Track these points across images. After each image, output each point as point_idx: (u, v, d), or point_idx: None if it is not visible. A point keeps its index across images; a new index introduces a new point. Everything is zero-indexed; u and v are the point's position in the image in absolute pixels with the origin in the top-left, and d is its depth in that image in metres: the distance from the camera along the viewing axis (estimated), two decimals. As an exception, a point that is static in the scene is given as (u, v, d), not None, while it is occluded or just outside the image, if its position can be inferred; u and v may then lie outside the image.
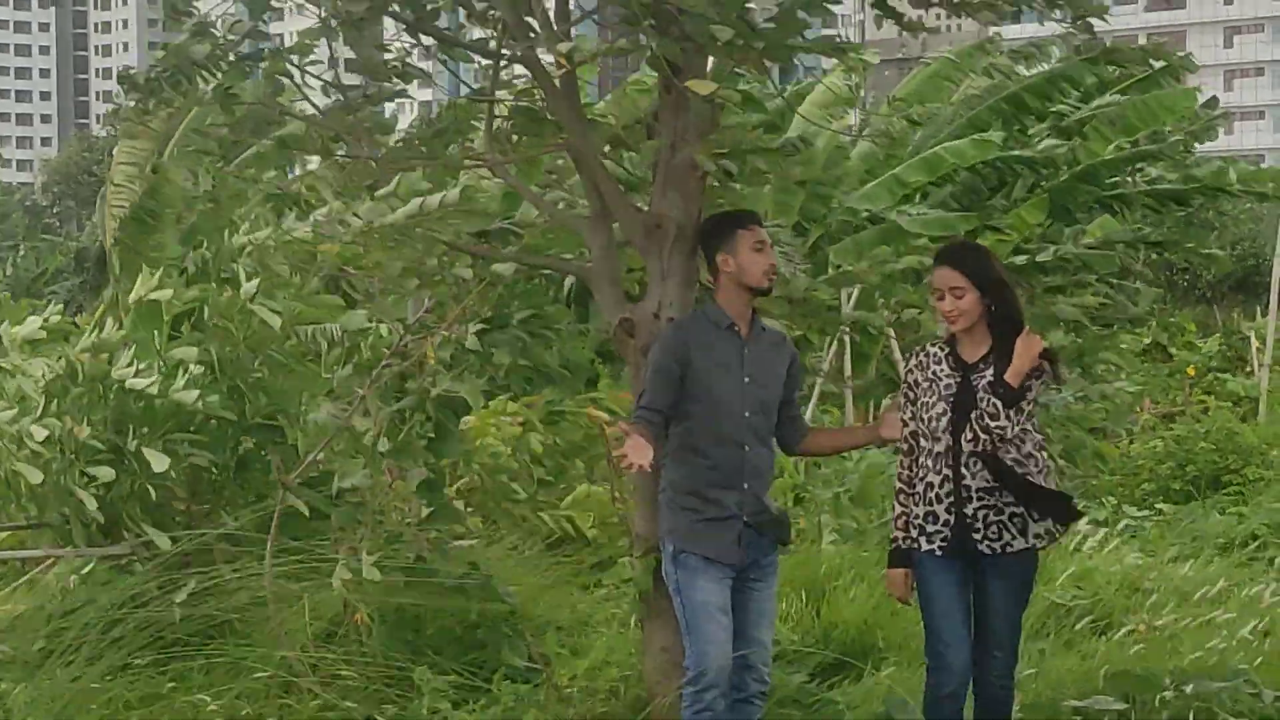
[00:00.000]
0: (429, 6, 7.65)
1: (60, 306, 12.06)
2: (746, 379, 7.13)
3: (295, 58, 7.75)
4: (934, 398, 7.05)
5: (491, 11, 7.82)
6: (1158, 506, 14.77)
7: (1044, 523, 7.04)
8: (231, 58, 7.76)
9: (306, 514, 8.93)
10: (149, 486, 9.22)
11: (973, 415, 6.93)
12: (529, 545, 10.43)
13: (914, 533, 7.11)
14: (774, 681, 7.49)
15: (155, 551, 9.07)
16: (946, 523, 7.01)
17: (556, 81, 7.59)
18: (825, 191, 20.84)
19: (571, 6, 7.84)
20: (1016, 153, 23.97)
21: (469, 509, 10.56)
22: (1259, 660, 8.62)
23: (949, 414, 7.00)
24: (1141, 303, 27.97)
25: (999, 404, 6.90)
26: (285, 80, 7.89)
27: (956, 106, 24.81)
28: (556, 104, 7.69)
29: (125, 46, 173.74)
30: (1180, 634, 9.52)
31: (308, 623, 8.51)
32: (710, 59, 7.48)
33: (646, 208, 7.61)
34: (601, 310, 7.73)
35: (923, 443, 7.11)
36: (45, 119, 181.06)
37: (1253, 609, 9.96)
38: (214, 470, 9.75)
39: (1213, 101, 39.50)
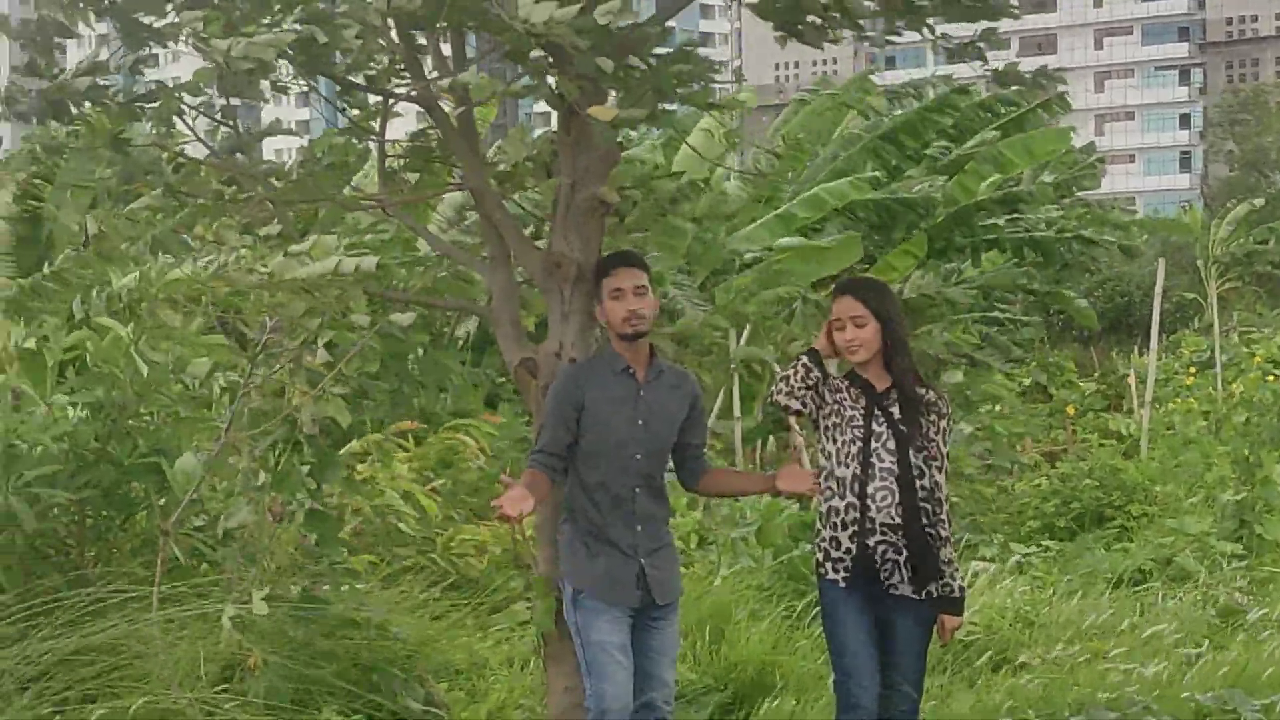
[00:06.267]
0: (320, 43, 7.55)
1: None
2: (640, 423, 7.11)
3: (186, 98, 7.66)
4: (841, 426, 7.08)
5: (383, 55, 7.75)
6: (1044, 543, 14.89)
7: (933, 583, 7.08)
8: (120, 98, 7.66)
9: (181, 561, 8.83)
10: (17, 537, 9.08)
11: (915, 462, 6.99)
12: (422, 588, 10.37)
13: (820, 556, 7.12)
14: (677, 720, 7.49)
15: (40, 600, 8.92)
16: (849, 551, 7.01)
17: (453, 120, 7.57)
18: (706, 234, 20.93)
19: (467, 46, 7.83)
20: (896, 196, 24.21)
21: (358, 552, 10.49)
22: (1155, 693, 8.72)
23: (859, 443, 7.02)
24: (1030, 334, 28.36)
25: (922, 465, 6.97)
26: (176, 121, 7.81)
27: (834, 145, 25.05)
28: (454, 143, 7.66)
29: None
30: (1076, 668, 9.62)
31: (202, 667, 8.38)
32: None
33: (546, 246, 7.59)
34: (502, 351, 7.69)
35: (823, 462, 7.14)
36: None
37: (1148, 644, 10.07)
38: (101, 515, 9.63)
39: (1090, 147, 40.24)
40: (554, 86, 7.03)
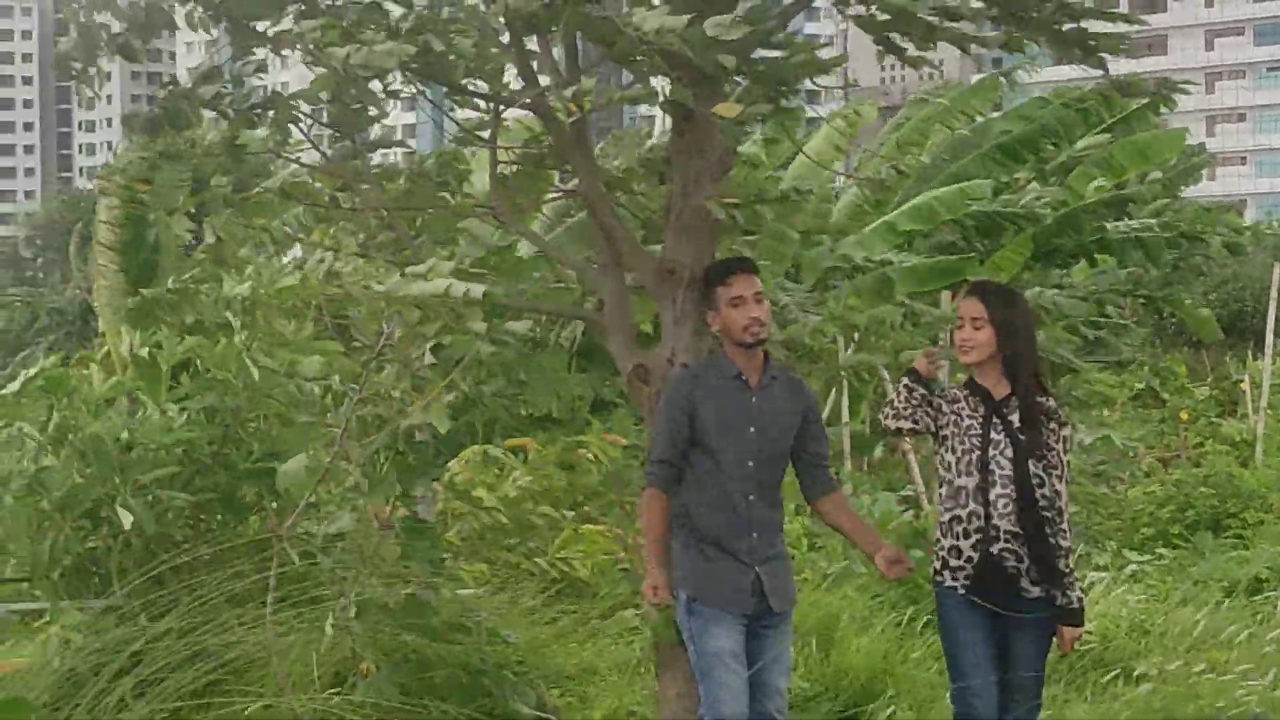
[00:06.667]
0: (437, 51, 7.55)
1: (58, 357, 12.08)
2: (752, 429, 7.07)
3: (303, 105, 7.71)
4: (960, 435, 7.02)
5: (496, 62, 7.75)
6: (1158, 551, 14.71)
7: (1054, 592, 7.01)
8: (235, 105, 7.71)
9: (295, 562, 8.89)
10: (133, 539, 9.18)
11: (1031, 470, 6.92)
12: (530, 594, 10.36)
13: (938, 564, 7.06)
14: (790, 729, 7.42)
15: (157, 602, 9.01)
16: (969, 559, 6.96)
17: (567, 127, 7.56)
18: (816, 239, 20.87)
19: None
20: (1004, 210, 23.98)
21: (463, 557, 10.51)
22: (1276, 706, 8.59)
23: (977, 451, 6.96)
24: (1133, 340, 28.01)
25: (1041, 474, 6.90)
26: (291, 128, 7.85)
27: (944, 150, 24.86)
28: (568, 150, 7.65)
29: (109, 99, 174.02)
30: (1195, 679, 9.49)
31: (315, 670, 8.42)
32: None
33: (657, 252, 7.57)
34: (615, 357, 7.68)
35: (942, 473, 7.08)
36: (29, 173, 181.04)
37: (1269, 654, 9.91)
38: (216, 517, 9.73)
39: (1200, 148, 39.75)
40: (667, 92, 7.02)
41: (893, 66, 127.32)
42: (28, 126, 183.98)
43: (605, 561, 10.92)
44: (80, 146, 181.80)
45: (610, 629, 9.94)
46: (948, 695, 7.16)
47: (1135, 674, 9.78)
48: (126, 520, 8.96)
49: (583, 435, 12.19)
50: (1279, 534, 14.23)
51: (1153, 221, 26.76)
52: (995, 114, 26.35)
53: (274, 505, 9.43)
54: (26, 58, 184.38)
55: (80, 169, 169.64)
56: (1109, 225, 26.29)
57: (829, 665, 9.40)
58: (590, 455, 11.77)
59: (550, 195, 8.29)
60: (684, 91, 6.90)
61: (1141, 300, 29.37)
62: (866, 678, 9.28)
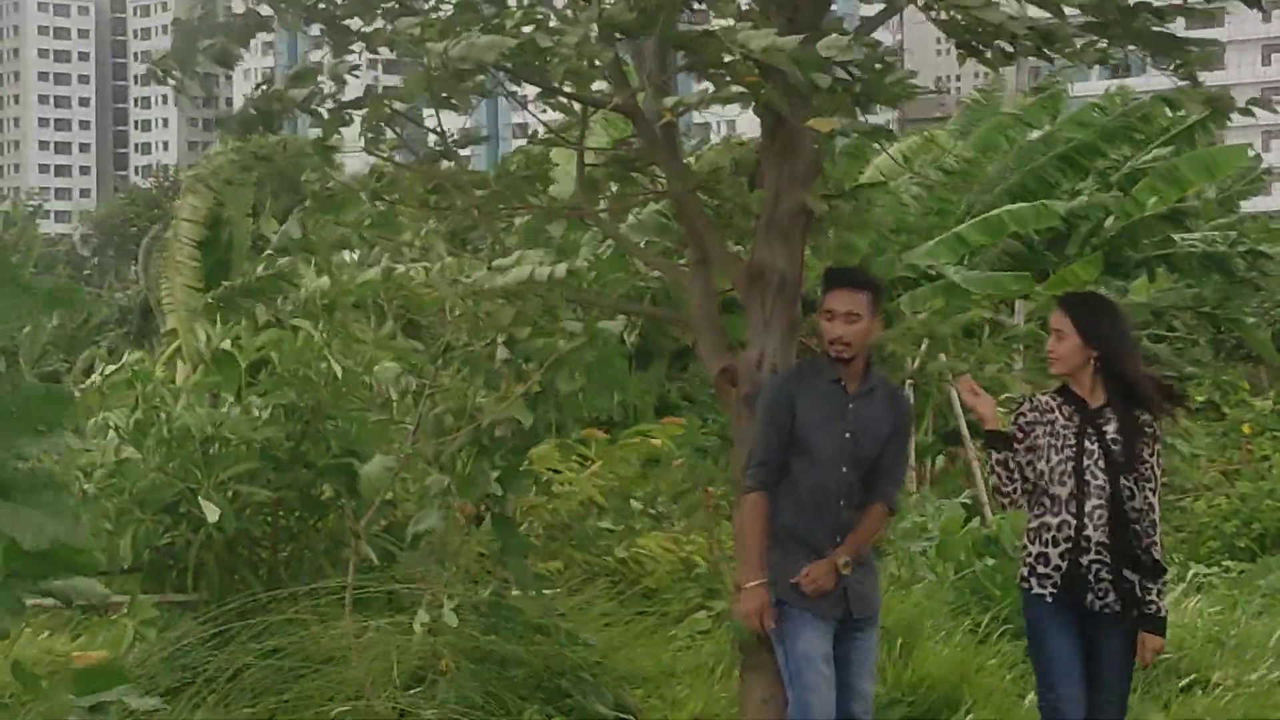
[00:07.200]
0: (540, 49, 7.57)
1: (141, 352, 12.20)
2: (847, 435, 7.06)
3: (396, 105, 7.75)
4: (1053, 444, 7.00)
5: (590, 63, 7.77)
6: (1224, 564, 14.67)
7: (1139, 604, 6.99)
8: (330, 105, 7.76)
9: (375, 561, 8.93)
10: (213, 533, 9.24)
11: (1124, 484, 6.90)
12: (604, 595, 10.36)
13: (1025, 571, 7.05)
14: (871, 734, 7.42)
15: (233, 598, 9.08)
16: (1058, 568, 6.95)
17: (657, 129, 7.59)
18: (884, 244, 20.87)
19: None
20: (1066, 209, 23.91)
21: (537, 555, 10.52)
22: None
23: (1071, 461, 6.95)
24: (1199, 355, 27.93)
25: (1133, 487, 6.89)
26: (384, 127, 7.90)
27: (1008, 160, 24.81)
28: (657, 153, 7.69)
29: (164, 99, 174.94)
30: (1272, 689, 9.47)
31: (394, 669, 8.45)
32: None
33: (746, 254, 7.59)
34: (703, 359, 7.70)
35: (1033, 479, 7.08)
36: (84, 170, 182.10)
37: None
38: (294, 514, 9.79)
39: (1257, 160, 39.53)
40: (760, 98, 7.03)
41: (947, 78, 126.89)
42: (84, 125, 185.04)
43: (674, 569, 10.88)
44: (136, 145, 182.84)
45: (686, 630, 9.95)
46: (1033, 702, 7.16)
47: (1210, 682, 9.77)
48: (212, 514, 9.02)
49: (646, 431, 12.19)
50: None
51: (1217, 235, 26.67)
52: (1051, 123, 26.33)
53: (351, 503, 9.48)
54: (83, 56, 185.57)
55: (136, 168, 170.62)
56: (1176, 238, 26.21)
57: (907, 671, 9.40)
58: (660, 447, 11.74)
59: (643, 198, 8.31)
60: (780, 97, 6.91)
61: (1201, 314, 29.28)
62: (946, 685, 9.26)
